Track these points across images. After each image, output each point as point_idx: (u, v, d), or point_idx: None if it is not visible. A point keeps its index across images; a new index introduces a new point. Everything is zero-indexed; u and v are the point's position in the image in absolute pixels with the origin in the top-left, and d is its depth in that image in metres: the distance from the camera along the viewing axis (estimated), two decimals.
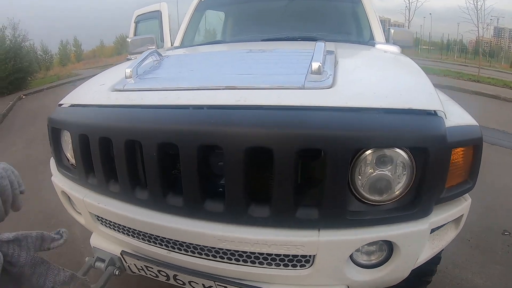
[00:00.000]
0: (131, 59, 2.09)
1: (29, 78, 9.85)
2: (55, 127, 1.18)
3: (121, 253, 1.09)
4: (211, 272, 0.95)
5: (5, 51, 8.98)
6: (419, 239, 0.87)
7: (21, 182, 0.59)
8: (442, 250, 1.02)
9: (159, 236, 0.98)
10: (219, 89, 0.93)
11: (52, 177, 1.26)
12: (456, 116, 0.95)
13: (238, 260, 0.92)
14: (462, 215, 0.98)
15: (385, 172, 0.81)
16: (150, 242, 1.02)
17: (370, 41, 2.02)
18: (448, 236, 1.01)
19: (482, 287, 1.61)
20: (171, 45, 2.42)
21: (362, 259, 0.92)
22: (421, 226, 0.84)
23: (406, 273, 0.92)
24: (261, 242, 0.84)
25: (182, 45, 2.28)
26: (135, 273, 1.15)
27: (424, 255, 0.93)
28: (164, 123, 0.86)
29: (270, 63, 1.20)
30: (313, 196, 0.88)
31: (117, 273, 1.13)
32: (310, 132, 0.77)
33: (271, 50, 1.42)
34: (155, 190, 0.90)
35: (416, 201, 0.82)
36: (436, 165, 0.80)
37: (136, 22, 3.78)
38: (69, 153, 1.20)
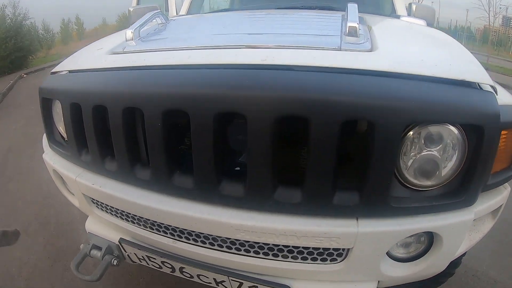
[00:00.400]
0: None
1: (30, 57, 9.74)
2: (46, 97, 1.03)
3: (119, 241, 0.94)
4: (224, 265, 0.84)
5: (5, 30, 8.85)
6: (462, 231, 0.76)
7: None
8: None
9: (163, 224, 0.83)
10: (239, 47, 0.77)
11: (43, 154, 1.11)
12: (501, 94, 0.83)
13: (258, 253, 0.79)
14: (501, 205, 0.88)
15: (433, 152, 0.70)
16: (153, 229, 0.88)
17: (393, 14, 1.88)
18: (485, 227, 0.91)
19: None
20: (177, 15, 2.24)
21: (398, 252, 0.81)
22: (467, 216, 0.74)
23: (442, 268, 0.83)
24: (289, 233, 0.69)
25: (188, 14, 2.10)
26: (135, 262, 1.02)
27: (462, 248, 0.83)
28: (172, 86, 0.69)
29: (295, 24, 1.02)
30: (351, 178, 0.73)
31: (115, 263, 0.99)
32: (359, 100, 0.63)
33: (292, 13, 1.24)
34: (159, 168, 0.75)
35: (464, 187, 0.72)
36: (489, 147, 0.69)
37: None
38: (61, 127, 1.05)
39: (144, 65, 0.79)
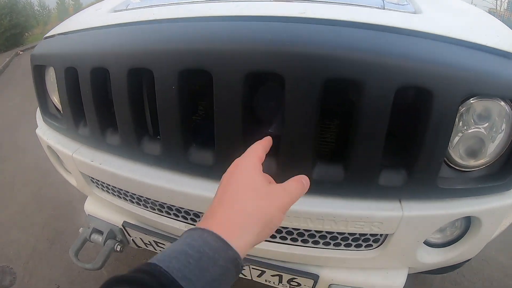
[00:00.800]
0: None
1: (26, 34, 9.56)
2: (38, 65, 0.90)
3: (122, 225, 0.84)
4: None
5: (0, 7, 8.57)
6: (501, 216, 0.70)
7: None
8: None
9: (174, 206, 0.72)
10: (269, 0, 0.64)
11: (36, 129, 0.99)
12: None
13: (285, 239, 0.70)
14: None
15: (480, 129, 0.63)
16: (162, 212, 0.77)
17: None
18: None
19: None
20: None
21: (434, 238, 0.76)
22: (508, 200, 0.67)
23: (476, 253, 0.78)
24: (327, 218, 0.59)
25: None
26: (140, 247, 0.93)
27: (496, 233, 0.78)
28: (189, 41, 0.56)
29: None
30: (395, 155, 0.63)
31: (118, 248, 0.90)
32: (420, 65, 0.51)
33: None
34: (172, 142, 0.63)
35: (507, 169, 0.65)
36: None
37: None
38: (55, 97, 0.93)
39: (154, 19, 0.66)
